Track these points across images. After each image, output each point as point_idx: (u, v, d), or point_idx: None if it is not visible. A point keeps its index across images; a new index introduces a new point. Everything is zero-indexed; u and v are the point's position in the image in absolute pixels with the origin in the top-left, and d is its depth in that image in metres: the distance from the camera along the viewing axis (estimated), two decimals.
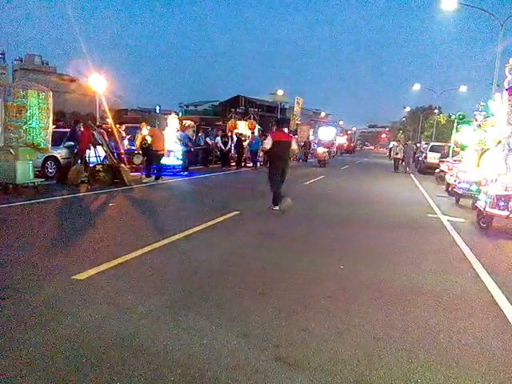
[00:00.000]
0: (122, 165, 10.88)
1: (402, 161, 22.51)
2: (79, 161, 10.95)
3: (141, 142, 12.29)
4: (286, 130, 8.70)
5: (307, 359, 2.63)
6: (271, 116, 53.64)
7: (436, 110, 46.58)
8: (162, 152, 12.00)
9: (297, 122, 35.37)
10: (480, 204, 7.32)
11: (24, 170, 8.40)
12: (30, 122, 8.31)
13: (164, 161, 12.89)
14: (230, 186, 12.24)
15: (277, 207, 7.84)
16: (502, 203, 6.67)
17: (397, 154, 22.26)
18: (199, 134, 18.56)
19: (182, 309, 3.26)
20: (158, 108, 46.97)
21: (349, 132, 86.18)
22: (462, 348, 2.88)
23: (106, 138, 11.23)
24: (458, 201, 10.58)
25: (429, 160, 21.13)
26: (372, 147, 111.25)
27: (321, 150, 23.23)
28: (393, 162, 23.06)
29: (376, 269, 4.62)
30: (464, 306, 3.66)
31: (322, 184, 14.09)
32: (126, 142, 14.08)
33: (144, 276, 3.96)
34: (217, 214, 7.06)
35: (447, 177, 12.65)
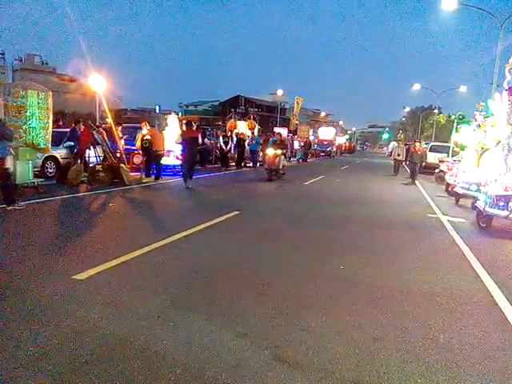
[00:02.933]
0: (122, 165, 10.88)
1: (403, 162, 20.22)
2: (79, 161, 10.94)
3: (141, 142, 12.29)
4: (194, 128, 12.20)
5: (307, 359, 2.63)
6: (271, 116, 53.71)
7: (436, 110, 46.63)
8: (161, 152, 12.01)
9: (296, 122, 35.41)
10: (480, 204, 7.32)
11: (24, 170, 8.39)
12: (30, 121, 8.30)
13: (164, 161, 12.89)
14: (229, 186, 12.24)
15: (187, 184, 10.71)
16: (501, 203, 6.67)
17: (398, 155, 19.28)
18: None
19: (182, 309, 3.27)
20: (157, 108, 47.01)
21: (348, 132, 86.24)
22: (462, 348, 2.88)
23: (106, 137, 11.22)
24: (457, 201, 10.58)
25: (429, 160, 21.08)
26: (365, 147, 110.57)
27: (271, 152, 13.73)
28: (393, 163, 20.02)
29: (376, 269, 4.62)
30: (464, 306, 3.66)
31: (322, 184, 14.09)
32: (122, 142, 14.06)
33: (144, 276, 3.96)
34: (217, 214, 7.06)
35: (447, 177, 12.65)
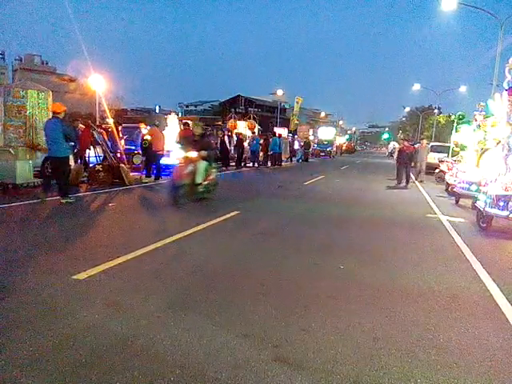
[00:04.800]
0: (122, 165, 10.88)
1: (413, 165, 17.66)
2: (79, 161, 10.94)
3: (141, 142, 12.31)
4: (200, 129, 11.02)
5: (307, 359, 2.63)
6: (271, 116, 53.71)
7: (436, 110, 46.66)
8: (161, 152, 12.02)
9: (296, 121, 35.41)
10: (480, 204, 7.32)
11: (24, 170, 8.41)
12: (30, 121, 8.31)
13: (164, 161, 12.89)
14: (229, 186, 12.24)
15: None
16: (501, 203, 6.67)
17: None
18: None
19: (182, 309, 3.27)
20: (157, 108, 46.99)
21: (348, 132, 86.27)
22: (462, 348, 2.88)
23: (106, 137, 11.22)
24: (457, 201, 10.58)
25: (429, 160, 21.02)
26: (365, 147, 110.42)
27: (182, 156, 8.41)
28: (396, 165, 16.78)
29: (376, 269, 4.62)
30: (464, 306, 3.66)
31: (322, 184, 14.09)
32: (122, 142, 14.09)
33: (144, 276, 3.96)
34: (217, 214, 7.06)
35: (447, 177, 12.64)
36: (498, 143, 7.69)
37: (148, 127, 12.84)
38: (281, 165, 22.24)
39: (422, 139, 19.74)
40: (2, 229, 5.59)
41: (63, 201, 7.57)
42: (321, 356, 2.67)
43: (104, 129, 11.73)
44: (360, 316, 3.31)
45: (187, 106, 66.56)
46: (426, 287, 4.08)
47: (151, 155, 11.83)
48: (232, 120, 24.25)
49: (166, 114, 17.85)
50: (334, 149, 41.12)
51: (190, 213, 7.80)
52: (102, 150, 10.99)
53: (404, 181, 14.43)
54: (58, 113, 7.69)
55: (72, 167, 10.31)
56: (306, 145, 29.95)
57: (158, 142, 11.84)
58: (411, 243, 6.06)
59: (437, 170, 16.24)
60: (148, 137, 11.95)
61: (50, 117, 7.82)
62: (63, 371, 2.35)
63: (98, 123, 16.04)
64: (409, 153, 14.70)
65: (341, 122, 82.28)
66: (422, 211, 9.05)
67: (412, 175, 17.54)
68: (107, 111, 13.20)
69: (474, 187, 9.06)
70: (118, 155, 11.65)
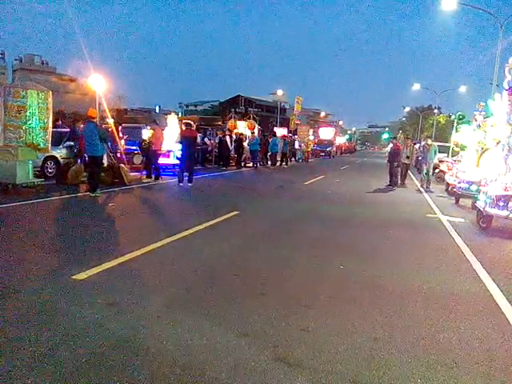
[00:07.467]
0: (122, 165, 10.88)
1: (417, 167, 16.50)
2: (79, 161, 10.94)
3: (141, 142, 12.30)
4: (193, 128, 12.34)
5: (307, 359, 2.63)
6: (271, 116, 53.70)
7: (436, 110, 46.65)
8: (160, 152, 12.02)
9: (296, 121, 35.39)
10: (480, 204, 7.32)
11: (24, 170, 8.39)
12: (30, 121, 8.30)
13: (164, 161, 12.89)
14: (229, 186, 12.25)
15: (181, 184, 11.06)
16: (501, 203, 6.67)
17: (407, 157, 14.90)
18: (199, 134, 18.58)
19: (182, 309, 3.27)
20: (157, 108, 46.99)
21: (348, 132, 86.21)
22: (462, 348, 2.88)
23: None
24: (457, 201, 10.58)
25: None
26: (366, 147, 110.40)
27: None
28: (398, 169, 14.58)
29: (376, 269, 4.62)
30: (464, 306, 3.66)
31: (322, 184, 14.09)
32: (122, 142, 14.09)
33: (144, 276, 3.96)
34: (217, 215, 7.06)
35: (447, 177, 12.64)
36: (497, 143, 7.69)
37: (148, 127, 12.83)
38: (281, 164, 22.25)
39: (428, 137, 16.88)
40: (2, 229, 5.59)
41: (92, 195, 8.46)
42: (321, 356, 2.67)
43: (104, 129, 11.71)
44: (360, 316, 3.31)
45: (187, 106, 66.52)
46: (426, 287, 4.08)
47: (151, 155, 11.83)
48: (232, 120, 24.23)
49: (166, 114, 17.84)
50: (334, 149, 41.10)
51: (189, 213, 7.80)
52: None
53: (392, 182, 13.82)
54: (94, 117, 8.86)
55: (72, 167, 10.34)
56: (290, 144, 27.69)
57: (158, 141, 11.85)
58: (411, 243, 6.06)
59: (437, 170, 16.23)
60: (147, 135, 11.94)
61: (87, 121, 8.95)
62: (63, 371, 2.35)
63: (98, 123, 15.97)
64: (398, 151, 14.11)
65: (341, 122, 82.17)
66: (422, 211, 9.05)
67: (417, 181, 16.66)
68: (107, 111, 13.20)
69: (474, 187, 9.06)
70: (118, 155, 11.65)
